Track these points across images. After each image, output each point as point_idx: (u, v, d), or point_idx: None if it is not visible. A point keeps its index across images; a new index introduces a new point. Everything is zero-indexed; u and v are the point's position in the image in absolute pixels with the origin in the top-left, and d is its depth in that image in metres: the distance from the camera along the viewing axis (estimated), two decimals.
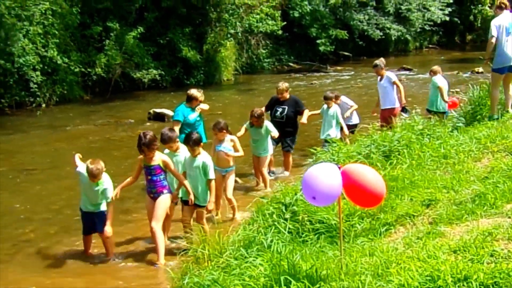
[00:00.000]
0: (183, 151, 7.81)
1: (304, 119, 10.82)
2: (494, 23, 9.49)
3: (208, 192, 7.51)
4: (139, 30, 21.80)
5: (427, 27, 39.14)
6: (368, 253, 4.81)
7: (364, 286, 4.04)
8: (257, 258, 5.12)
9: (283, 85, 11.01)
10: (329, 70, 29.66)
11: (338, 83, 24.14)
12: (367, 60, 33.06)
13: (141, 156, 7.31)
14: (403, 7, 37.08)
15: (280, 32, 27.37)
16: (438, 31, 41.98)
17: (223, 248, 5.98)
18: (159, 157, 7.28)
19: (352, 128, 11.74)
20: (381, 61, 12.34)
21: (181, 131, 9.76)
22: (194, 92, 9.94)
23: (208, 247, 6.06)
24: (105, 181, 7.19)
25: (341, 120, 11.10)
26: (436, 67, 12.57)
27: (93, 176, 7.01)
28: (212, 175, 7.47)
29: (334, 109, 11.08)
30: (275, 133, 9.77)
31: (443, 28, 41.87)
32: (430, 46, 42.51)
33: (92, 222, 7.35)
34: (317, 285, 4.17)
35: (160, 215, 7.24)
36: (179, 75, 23.96)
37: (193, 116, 9.81)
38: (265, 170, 10.02)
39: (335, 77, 26.96)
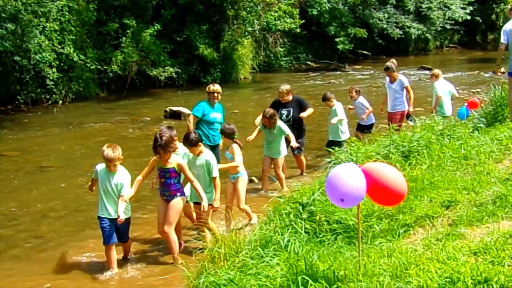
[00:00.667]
0: (181, 150, 7.55)
1: (303, 113, 10.49)
2: (504, 29, 9.52)
3: (214, 190, 7.42)
4: (155, 27, 21.85)
5: (448, 26, 38.88)
6: (386, 254, 4.74)
7: (382, 287, 3.97)
8: (273, 258, 5.07)
9: (284, 87, 10.70)
10: (347, 69, 29.53)
11: (356, 82, 23.99)
12: (386, 59, 32.58)
13: (155, 157, 7.04)
14: (423, 6, 36.84)
15: (298, 30, 27.28)
16: (459, 30, 41.67)
17: (239, 248, 5.92)
18: (174, 160, 6.99)
19: (369, 128, 11.67)
20: (393, 63, 12.14)
21: (198, 127, 9.75)
22: (208, 86, 10.11)
23: (224, 247, 6.01)
24: (122, 174, 6.91)
25: (340, 116, 10.94)
26: (437, 71, 12.56)
27: (109, 160, 6.72)
28: (215, 172, 7.37)
29: (335, 107, 10.96)
30: (289, 133, 9.64)
31: (464, 27, 41.56)
32: (451, 45, 42.22)
33: (114, 230, 6.93)
34: (335, 286, 4.12)
35: (173, 219, 7.04)
36: (195, 73, 23.97)
37: (213, 115, 9.85)
38: (280, 171, 9.83)
39: (354, 76, 26.80)
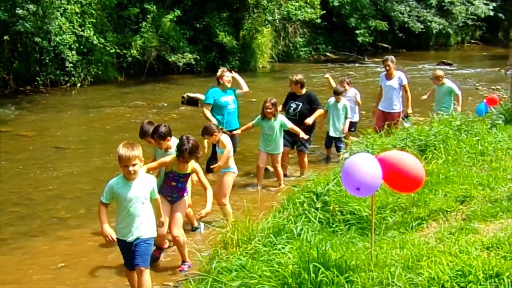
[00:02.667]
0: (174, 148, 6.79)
1: (310, 118, 9.80)
2: None
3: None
4: (176, 13, 21.82)
5: (470, 22, 38.48)
6: (398, 246, 4.76)
7: (394, 278, 4.00)
8: (286, 245, 5.10)
9: (296, 75, 10.22)
10: (366, 62, 29.36)
11: (375, 75, 23.85)
12: (407, 53, 32.72)
13: (169, 159, 6.58)
14: (446, 0, 36.41)
15: (318, 20, 27.16)
16: (481, 26, 41.21)
17: (252, 235, 5.96)
18: (191, 165, 6.53)
19: (355, 126, 11.26)
20: (392, 58, 11.36)
21: (211, 112, 9.74)
22: (218, 73, 10.02)
23: (237, 233, 6.05)
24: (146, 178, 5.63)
25: (350, 115, 10.65)
26: (441, 73, 11.70)
27: (127, 159, 5.27)
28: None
29: (343, 103, 10.56)
30: (291, 125, 9.16)
31: (486, 23, 41.08)
32: (472, 41, 41.78)
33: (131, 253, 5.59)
34: (346, 275, 4.14)
35: (181, 221, 6.62)
36: (214, 60, 23.95)
37: (224, 99, 9.76)
38: (279, 166, 9.34)
39: (373, 68, 26.66)
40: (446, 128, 8.38)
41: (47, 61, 18.51)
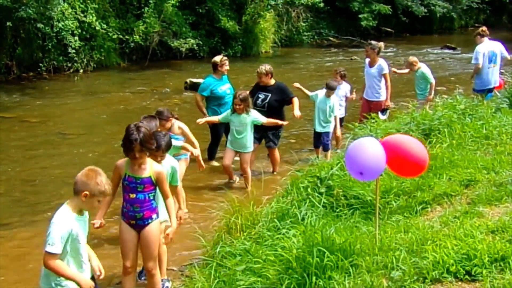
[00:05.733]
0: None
1: (296, 110, 9.02)
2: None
3: None
4: None
5: (474, 5, 38.11)
6: (403, 230, 4.78)
7: (398, 262, 4.01)
8: (290, 230, 5.10)
9: (263, 67, 9.21)
10: None
11: None
12: (410, 37, 32.50)
13: (121, 161, 5.19)
14: None
15: (321, 5, 26.91)
16: (485, 9, 40.84)
17: (256, 220, 5.98)
18: (150, 166, 5.09)
19: (342, 122, 10.59)
20: (378, 44, 10.81)
21: (208, 104, 9.57)
22: (214, 59, 9.76)
23: (241, 218, 6.05)
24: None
25: (336, 112, 9.83)
26: (415, 58, 11.50)
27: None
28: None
29: (333, 100, 9.71)
30: (265, 120, 8.42)
31: (491, 7, 40.74)
32: (476, 25, 41.35)
33: None
34: (351, 259, 4.15)
35: (155, 253, 5.24)
36: (216, 46, 23.83)
37: (221, 89, 9.55)
38: (248, 167, 8.53)
39: None
40: (451, 112, 8.38)
41: (49, 47, 18.43)
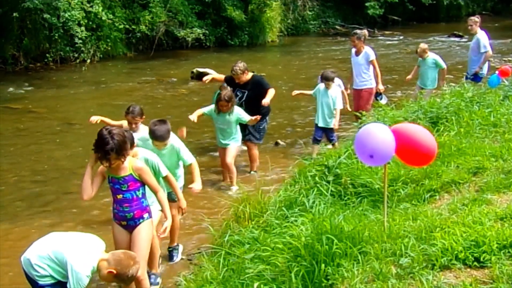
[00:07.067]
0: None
1: (266, 98, 8.60)
2: None
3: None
4: None
5: None
6: (411, 217, 4.77)
7: (407, 249, 4.01)
8: (298, 218, 5.11)
9: (237, 67, 8.70)
10: (376, 35, 28.98)
11: (385, 48, 23.70)
12: (417, 25, 32.36)
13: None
14: None
15: None
16: None
17: (264, 208, 5.99)
18: (129, 163, 4.95)
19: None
20: (363, 32, 10.66)
21: None
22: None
23: (249, 206, 6.07)
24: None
25: (340, 105, 9.33)
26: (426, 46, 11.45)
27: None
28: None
29: (335, 92, 9.23)
30: (248, 117, 8.11)
31: None
32: (484, 12, 41.09)
33: None
34: (359, 246, 4.16)
35: (144, 255, 5.07)
36: (223, 35, 23.83)
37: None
38: (232, 163, 8.24)
39: (383, 42, 26.40)
40: (458, 100, 8.34)
41: (56, 37, 18.46)
